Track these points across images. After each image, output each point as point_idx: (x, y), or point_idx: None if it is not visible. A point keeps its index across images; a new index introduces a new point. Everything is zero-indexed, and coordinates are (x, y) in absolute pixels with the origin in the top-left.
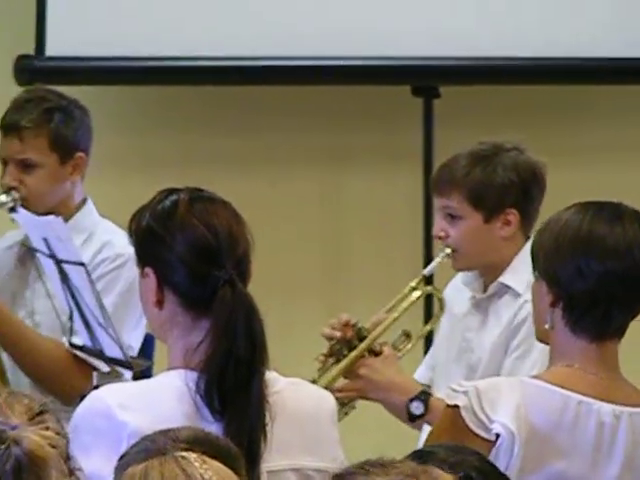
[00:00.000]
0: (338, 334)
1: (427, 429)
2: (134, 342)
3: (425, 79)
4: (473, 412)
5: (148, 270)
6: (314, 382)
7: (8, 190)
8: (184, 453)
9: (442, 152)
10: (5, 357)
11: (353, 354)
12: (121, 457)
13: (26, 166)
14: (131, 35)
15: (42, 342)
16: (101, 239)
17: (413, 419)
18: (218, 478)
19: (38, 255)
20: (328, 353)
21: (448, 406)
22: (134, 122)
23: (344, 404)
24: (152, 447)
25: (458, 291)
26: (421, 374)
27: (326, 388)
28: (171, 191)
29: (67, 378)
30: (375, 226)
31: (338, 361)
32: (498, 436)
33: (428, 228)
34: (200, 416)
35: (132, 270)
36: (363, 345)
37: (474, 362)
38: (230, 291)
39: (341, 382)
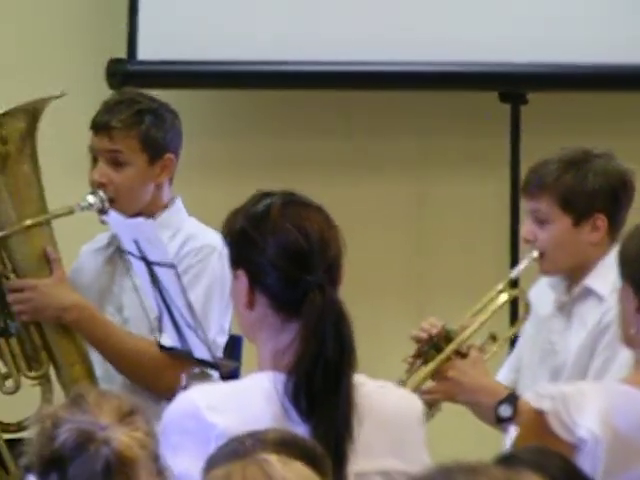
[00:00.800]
0: (426, 336)
1: (511, 432)
2: (220, 336)
3: (513, 85)
4: (559, 416)
5: (240, 272)
6: (402, 384)
7: (95, 191)
8: (266, 455)
9: (529, 158)
10: (95, 356)
11: (441, 356)
12: (208, 458)
13: (116, 163)
14: (222, 39)
15: (133, 341)
16: (186, 233)
17: (501, 421)
18: (299, 479)
19: (128, 256)
20: (416, 355)
21: (534, 410)
22: (224, 126)
23: (431, 406)
24: (238, 449)
25: (543, 293)
26: (504, 376)
27: (414, 390)
28: (264, 194)
29: (160, 376)
30: (462, 230)
31: (426, 363)
32: (583, 440)
33: (514, 233)
34: (288, 418)
35: (218, 263)
36: (451, 347)
37: (558, 364)
38: (320, 295)
39: (429, 384)
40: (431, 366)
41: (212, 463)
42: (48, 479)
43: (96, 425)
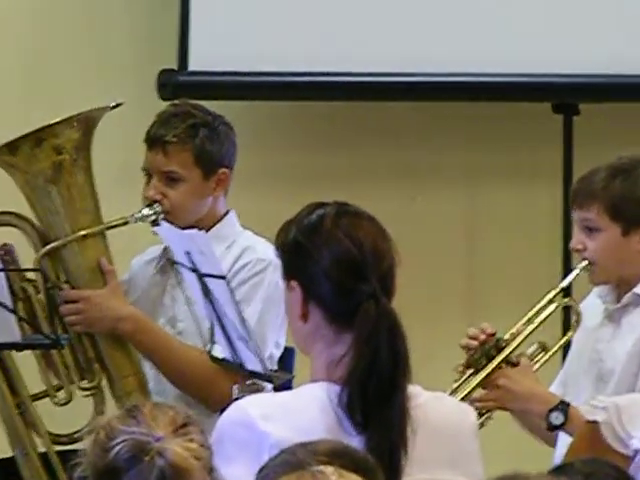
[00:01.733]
0: (476, 344)
1: (562, 443)
2: (275, 350)
3: (566, 96)
4: (612, 428)
5: (294, 283)
6: (453, 392)
7: (151, 203)
8: (321, 467)
9: (582, 168)
10: (148, 368)
11: (491, 365)
12: (260, 469)
13: (170, 179)
14: (272, 50)
15: (186, 352)
16: (241, 245)
17: (552, 429)
18: None
19: (180, 268)
20: (466, 364)
21: (587, 422)
22: (276, 137)
23: (482, 414)
24: (291, 460)
25: (591, 305)
26: (554, 390)
27: (464, 398)
28: (318, 205)
29: (212, 387)
30: (514, 241)
31: (477, 372)
32: (637, 452)
33: (567, 243)
34: (342, 429)
35: (274, 275)
36: (501, 356)
37: (605, 372)
38: (374, 305)
39: (480, 392)
40: (482, 374)
41: (264, 475)
42: None
43: (151, 436)
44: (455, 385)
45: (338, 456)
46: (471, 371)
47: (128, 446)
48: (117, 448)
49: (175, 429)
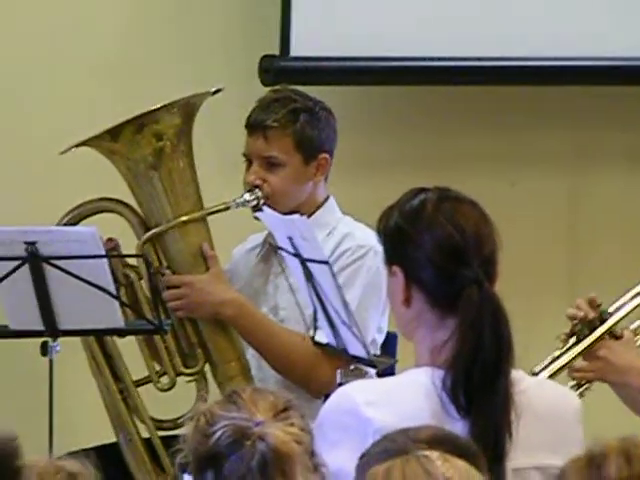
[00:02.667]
0: (581, 314)
1: None
2: (378, 335)
3: None
4: None
5: (396, 268)
6: (554, 360)
7: (252, 188)
8: (426, 452)
9: None
10: (250, 354)
11: (593, 335)
12: (362, 456)
13: (270, 165)
14: (372, 35)
15: (289, 337)
16: (342, 232)
17: None
18: (460, 476)
19: (282, 253)
20: (570, 333)
21: None
22: (378, 122)
23: (580, 385)
24: (393, 447)
25: None
26: None
27: (565, 367)
28: (419, 190)
29: (315, 372)
30: (617, 228)
31: (579, 342)
32: None
33: None
34: (446, 414)
35: (374, 261)
36: (604, 327)
37: None
38: (476, 290)
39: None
40: (584, 344)
41: (366, 461)
42: (204, 476)
43: (251, 421)
44: (557, 353)
45: (439, 442)
46: (573, 340)
47: (229, 431)
48: (218, 434)
49: (275, 413)
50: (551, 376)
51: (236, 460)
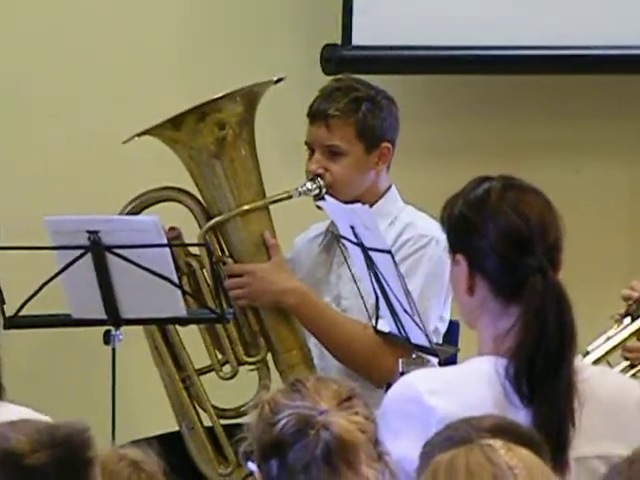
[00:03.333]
0: (636, 295)
1: None
2: (440, 324)
3: None
4: None
5: (459, 257)
6: (608, 339)
7: (314, 177)
8: (490, 441)
9: None
10: (312, 343)
11: None
12: (425, 445)
13: (332, 154)
14: (435, 24)
15: (351, 325)
16: (404, 221)
17: None
18: (524, 465)
19: (344, 242)
20: (624, 313)
21: None
22: (438, 111)
23: (633, 366)
24: (456, 436)
25: None
26: None
27: (618, 346)
28: (483, 179)
29: (378, 361)
30: None
31: (633, 322)
32: None
33: None
34: (509, 402)
35: (435, 251)
36: None
37: None
38: (541, 279)
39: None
40: (637, 324)
41: (429, 450)
42: (268, 465)
43: (315, 410)
44: (610, 333)
45: (502, 431)
46: (628, 321)
47: (293, 420)
48: (282, 422)
49: (339, 402)
50: (604, 355)
51: (300, 449)
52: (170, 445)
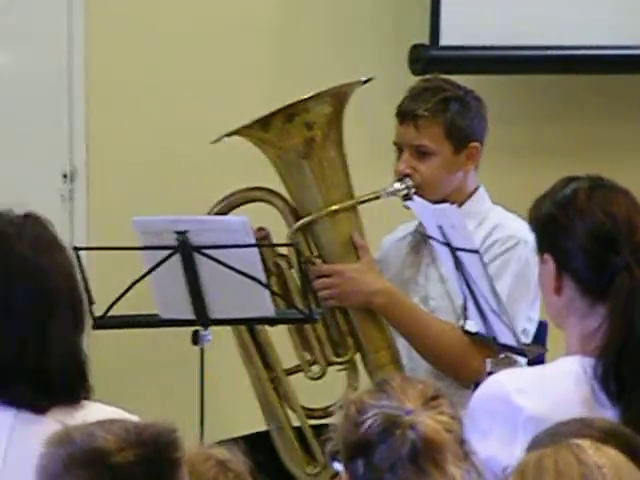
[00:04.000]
0: None
1: None
2: (529, 325)
3: None
4: None
5: (547, 257)
6: None
7: (402, 177)
8: (578, 441)
9: None
10: (401, 344)
11: None
12: (527, 446)
13: (421, 154)
14: (522, 24)
15: (440, 326)
16: (492, 222)
17: None
18: (612, 465)
19: (432, 242)
20: None
21: None
22: (526, 111)
23: None
24: (546, 435)
25: None
26: None
27: None
28: (571, 179)
29: (466, 361)
30: None
31: None
32: None
33: None
34: (596, 401)
35: (524, 252)
36: None
37: None
38: (628, 277)
39: None
40: None
41: (529, 449)
42: (354, 465)
43: (401, 410)
44: None
45: (606, 433)
46: None
47: (379, 420)
48: (368, 422)
49: (425, 402)
50: None
51: (386, 449)
52: (258, 445)
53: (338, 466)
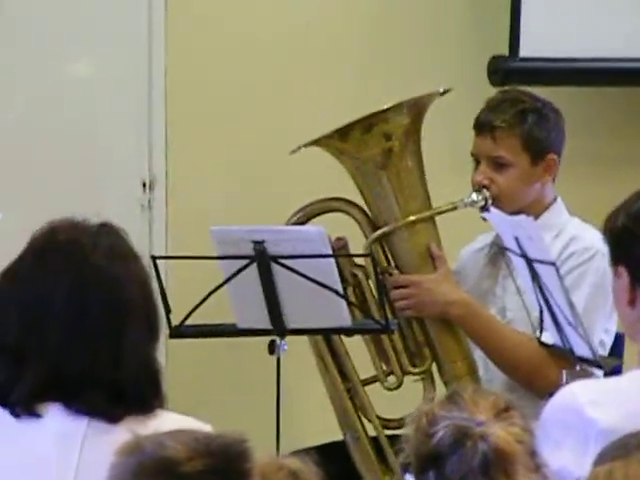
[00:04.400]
0: None
1: None
2: (606, 337)
3: None
4: None
5: (621, 269)
6: None
7: (479, 189)
8: None
9: None
10: (477, 355)
11: None
12: (596, 457)
13: (498, 165)
14: (603, 36)
15: (517, 337)
16: (569, 234)
17: None
18: None
19: (509, 254)
20: None
21: None
22: (605, 123)
23: None
24: (620, 447)
25: None
26: None
27: None
28: None
29: (542, 373)
30: None
31: None
32: None
33: None
34: None
35: (601, 264)
36: None
37: None
38: None
39: None
40: None
41: (597, 461)
42: (426, 476)
43: (473, 421)
44: None
45: None
46: None
47: (450, 431)
48: (439, 434)
49: (497, 413)
50: None
51: (457, 460)
52: (334, 454)
53: (410, 478)
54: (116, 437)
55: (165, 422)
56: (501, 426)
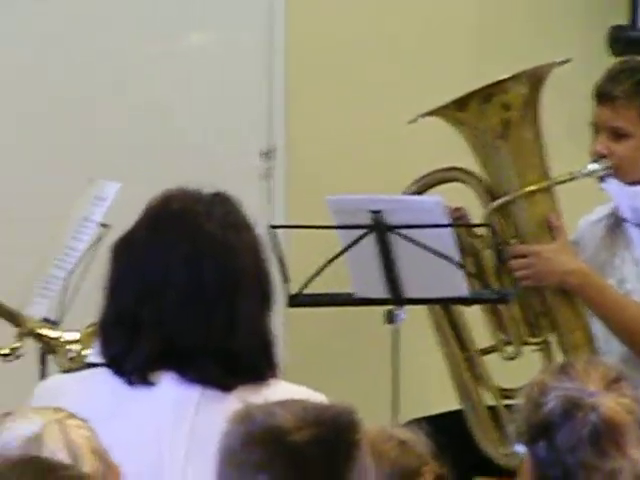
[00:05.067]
0: None
1: None
2: None
3: None
4: None
5: None
6: None
7: (598, 158)
8: None
9: None
10: (597, 327)
11: None
12: None
13: (617, 135)
14: None
15: (636, 308)
16: None
17: None
18: None
19: (627, 225)
20: None
21: None
22: None
23: None
24: None
25: None
26: None
27: None
28: None
29: None
30: None
31: None
32: None
33: None
34: None
35: None
36: None
37: None
38: None
39: None
40: None
41: None
42: (536, 446)
43: (583, 392)
44: None
45: None
46: None
47: (561, 402)
48: (550, 404)
49: (607, 384)
50: None
51: (568, 430)
52: (453, 423)
53: (520, 448)
54: (228, 405)
55: (277, 391)
56: (611, 397)
